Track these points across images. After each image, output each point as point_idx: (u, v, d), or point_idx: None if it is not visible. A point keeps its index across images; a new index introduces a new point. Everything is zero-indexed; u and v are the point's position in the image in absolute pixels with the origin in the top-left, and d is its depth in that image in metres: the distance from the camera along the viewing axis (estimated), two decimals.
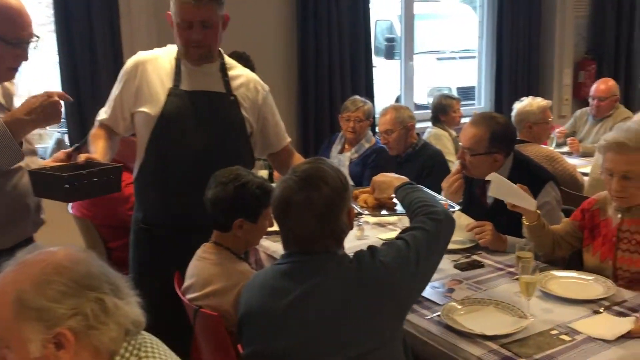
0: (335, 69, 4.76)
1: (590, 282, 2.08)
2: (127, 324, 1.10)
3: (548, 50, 5.73)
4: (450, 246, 2.44)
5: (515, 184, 2.46)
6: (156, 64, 2.15)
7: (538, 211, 2.22)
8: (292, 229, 1.51)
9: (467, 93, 7.06)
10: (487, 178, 2.29)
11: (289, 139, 2.40)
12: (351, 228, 1.61)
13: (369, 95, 4.98)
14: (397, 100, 9.08)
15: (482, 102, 5.98)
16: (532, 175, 2.52)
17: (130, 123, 2.17)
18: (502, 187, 2.20)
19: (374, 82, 5.06)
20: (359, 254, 1.53)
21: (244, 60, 3.79)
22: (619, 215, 2.14)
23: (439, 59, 9.33)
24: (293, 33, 4.63)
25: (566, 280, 2.11)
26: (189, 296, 1.90)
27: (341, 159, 3.63)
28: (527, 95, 5.55)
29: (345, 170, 3.57)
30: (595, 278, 2.09)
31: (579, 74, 5.92)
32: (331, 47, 4.71)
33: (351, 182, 3.51)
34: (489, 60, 5.69)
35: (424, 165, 3.15)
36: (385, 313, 1.47)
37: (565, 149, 4.40)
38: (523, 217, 2.27)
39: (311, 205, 1.47)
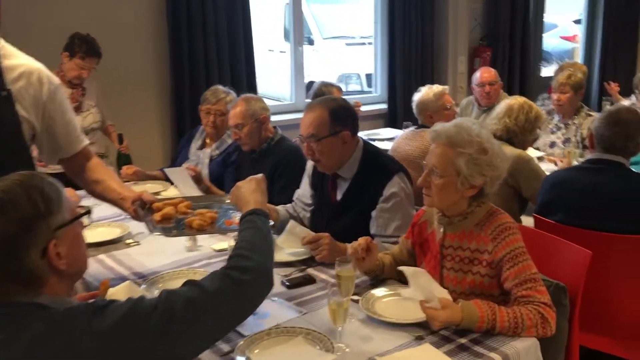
0: (211, 57, 4.38)
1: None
2: None
3: (442, 36, 5.56)
4: (284, 258, 2.19)
5: (367, 181, 2.30)
6: None
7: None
8: None
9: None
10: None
11: (86, 142, 2.03)
12: (58, 268, 1.19)
13: (251, 85, 4.65)
14: (308, 86, 8.87)
15: (378, 90, 5.76)
16: (381, 165, 2.36)
17: None
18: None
19: (256, 70, 4.72)
20: (71, 311, 1.14)
21: (87, 43, 3.39)
22: (442, 229, 1.90)
23: (348, 44, 9.07)
24: (162, 17, 4.21)
25: (397, 299, 1.86)
26: None
27: (201, 155, 3.27)
28: (420, 83, 5.40)
29: (206, 170, 3.22)
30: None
31: (474, 60, 5.80)
32: (206, 33, 4.33)
33: (207, 183, 3.18)
34: (384, 46, 5.47)
35: (276, 163, 2.85)
36: None
37: None
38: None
39: None
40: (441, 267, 1.89)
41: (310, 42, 9.10)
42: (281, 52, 8.59)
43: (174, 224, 1.84)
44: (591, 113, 3.88)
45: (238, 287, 1.26)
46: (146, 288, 1.91)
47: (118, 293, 1.74)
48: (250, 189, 1.63)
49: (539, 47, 6.53)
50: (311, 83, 9.47)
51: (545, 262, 2.11)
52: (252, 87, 4.66)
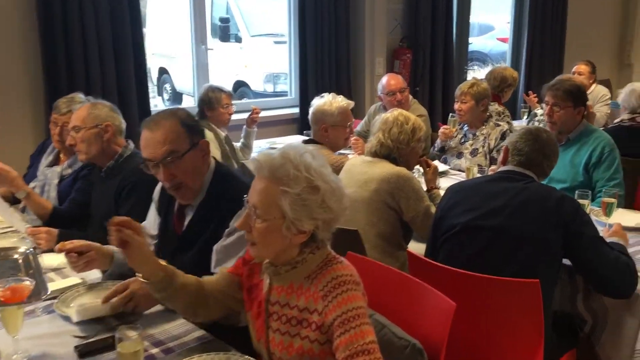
0: (93, 62, 3.90)
1: None
2: None
3: (358, 36, 5.21)
4: (89, 311, 1.78)
5: (214, 209, 1.95)
6: None
7: (164, 263, 1.56)
8: None
9: None
10: None
11: None
12: None
13: (142, 92, 4.18)
14: (235, 86, 8.42)
15: (292, 93, 5.39)
16: (231, 191, 1.96)
17: None
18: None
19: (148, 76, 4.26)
20: None
21: None
22: (268, 280, 1.53)
23: (276, 42, 8.68)
24: (31, 13, 3.72)
25: None
26: None
27: (48, 174, 2.79)
28: (335, 86, 5.06)
29: (54, 192, 2.75)
30: None
31: (394, 63, 5.49)
32: (85, 31, 3.85)
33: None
34: (296, 46, 5.09)
35: (122, 183, 2.42)
36: None
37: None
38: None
39: None
40: (267, 327, 1.52)
41: (238, 40, 8.68)
42: (208, 49, 8.20)
43: None
44: (500, 123, 3.61)
45: None
46: None
47: None
48: None
49: (465, 49, 6.28)
50: (239, 83, 9.06)
51: (410, 312, 1.79)
52: (143, 94, 4.20)
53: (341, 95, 3.20)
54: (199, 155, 1.97)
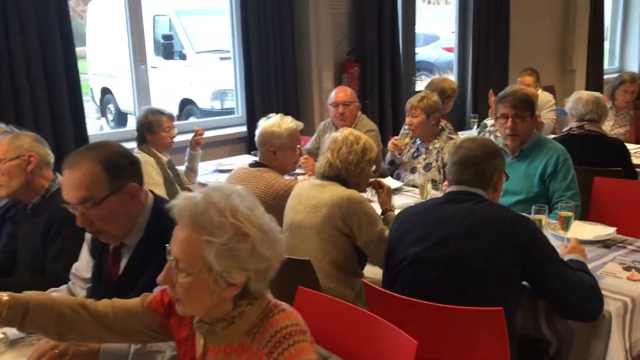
0: (22, 88, 3.66)
1: None
2: None
3: (304, 51, 5.10)
4: None
5: (154, 249, 1.72)
6: None
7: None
8: None
9: None
10: None
11: None
12: None
13: (77, 117, 3.94)
14: (182, 105, 8.17)
15: (239, 111, 5.22)
16: (171, 225, 1.78)
17: None
18: None
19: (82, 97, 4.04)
20: None
21: None
22: (202, 341, 1.36)
23: (222, 58, 8.50)
24: None
25: None
26: None
27: None
28: (283, 103, 4.93)
29: None
30: None
31: (342, 76, 5.39)
32: (12, 58, 3.61)
33: None
34: (241, 63, 4.93)
35: (50, 220, 2.22)
36: None
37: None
38: None
39: None
40: None
41: (182, 57, 8.48)
42: (152, 67, 7.97)
43: None
44: (452, 136, 3.54)
45: None
46: None
47: None
48: None
49: (412, 60, 6.26)
50: (185, 101, 8.80)
51: (369, 352, 1.66)
52: (79, 119, 3.96)
53: (290, 116, 3.04)
54: (124, 200, 1.77)
